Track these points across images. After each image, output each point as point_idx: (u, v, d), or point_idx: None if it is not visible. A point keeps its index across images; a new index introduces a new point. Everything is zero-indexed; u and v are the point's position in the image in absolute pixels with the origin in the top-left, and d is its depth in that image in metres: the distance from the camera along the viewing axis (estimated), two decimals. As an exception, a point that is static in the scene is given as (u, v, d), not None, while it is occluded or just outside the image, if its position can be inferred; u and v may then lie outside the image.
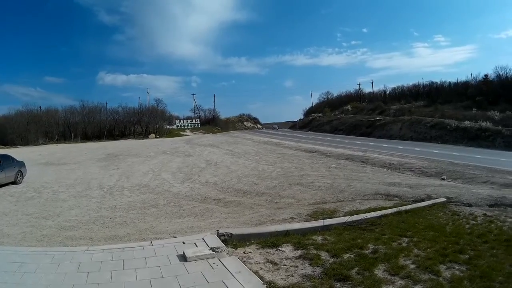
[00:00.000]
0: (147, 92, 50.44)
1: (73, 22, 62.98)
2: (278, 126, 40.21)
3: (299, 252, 2.97)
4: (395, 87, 32.57)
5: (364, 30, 59.23)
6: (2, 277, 2.55)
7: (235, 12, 72.90)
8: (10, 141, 24.60)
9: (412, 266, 2.47)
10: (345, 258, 2.74)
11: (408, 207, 4.00)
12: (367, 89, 38.61)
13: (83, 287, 2.46)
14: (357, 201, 5.04)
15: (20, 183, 8.17)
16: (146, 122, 34.25)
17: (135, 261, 2.96)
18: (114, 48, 66.93)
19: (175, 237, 3.99)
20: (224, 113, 46.21)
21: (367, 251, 2.84)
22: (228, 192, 6.98)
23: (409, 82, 33.96)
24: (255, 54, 76.64)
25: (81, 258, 3.09)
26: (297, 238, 3.27)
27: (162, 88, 72.16)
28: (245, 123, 48.08)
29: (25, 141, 25.53)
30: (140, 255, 3.14)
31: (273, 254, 3.02)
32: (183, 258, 2.95)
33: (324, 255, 2.84)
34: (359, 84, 40.15)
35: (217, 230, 3.56)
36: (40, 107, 31.94)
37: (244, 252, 3.10)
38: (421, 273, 2.23)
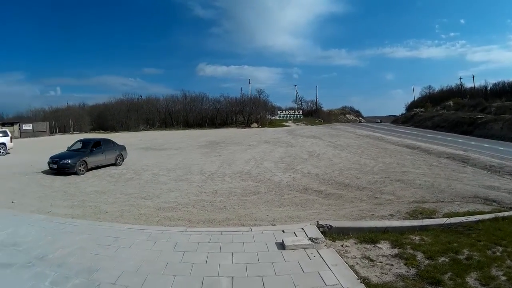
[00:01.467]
0: (249, 83, 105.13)
1: (170, 17, 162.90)
2: (380, 120, 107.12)
3: (395, 251, 6.44)
4: (496, 83, 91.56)
5: (462, 21, 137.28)
6: (95, 250, 6.86)
7: (331, 4, 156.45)
8: (110, 127, 77.32)
9: (503, 278, 5.62)
10: (439, 261, 6.13)
11: (506, 213, 8.95)
12: (468, 84, 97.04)
13: (177, 265, 5.99)
14: (456, 202, 11.27)
15: (120, 165, 21.60)
16: (249, 112, 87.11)
17: (232, 245, 6.74)
18: (212, 41, 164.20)
19: (274, 225, 8.77)
20: (326, 105, 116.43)
21: (461, 257, 6.37)
22: (329, 184, 14.82)
23: (510, 77, 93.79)
24: (354, 46, 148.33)
25: (178, 238, 7.36)
26: (395, 236, 7.12)
27: (263, 79, 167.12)
28: (347, 115, 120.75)
29: (126, 127, 77.68)
30: (238, 239, 7.07)
31: (370, 250, 6.39)
32: (281, 246, 6.55)
33: (419, 256, 6.17)
34: (460, 79, 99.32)
35: (317, 221, 7.67)
36: (141, 96, 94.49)
37: (342, 246, 6.62)
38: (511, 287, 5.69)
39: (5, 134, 31.39)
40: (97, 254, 6.64)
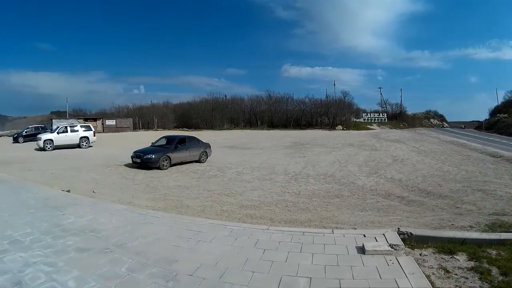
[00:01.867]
0: (334, 84, 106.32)
1: (252, 18, 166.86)
2: (464, 126, 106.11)
3: (472, 264, 6.21)
4: None
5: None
6: (175, 242, 7.18)
7: (411, 4, 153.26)
8: (195, 125, 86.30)
9: None
10: (513, 279, 6.56)
11: None
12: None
13: (257, 262, 6.12)
14: (537, 218, 11.54)
15: (204, 162, 23.19)
16: (333, 114, 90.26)
17: (313, 246, 6.77)
18: (295, 42, 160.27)
19: (355, 229, 8.93)
20: (410, 109, 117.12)
21: (538, 276, 6.59)
22: (412, 190, 14.83)
23: None
24: (437, 47, 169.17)
25: (260, 236, 7.45)
26: (473, 248, 6.80)
27: (347, 81, 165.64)
28: (431, 120, 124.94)
29: (210, 126, 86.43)
30: (320, 241, 7.10)
31: (447, 261, 6.25)
32: (361, 250, 6.51)
33: (494, 271, 5.90)
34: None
35: (398, 228, 7.58)
36: (226, 96, 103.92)
37: (420, 254, 6.56)
38: None
39: (88, 128, 34.83)
40: (177, 246, 6.77)
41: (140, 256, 6.18)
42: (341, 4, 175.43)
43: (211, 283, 5.36)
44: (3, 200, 10.99)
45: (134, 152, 21.39)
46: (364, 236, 7.24)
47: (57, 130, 33.92)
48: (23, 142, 44.27)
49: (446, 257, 6.38)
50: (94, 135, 36.05)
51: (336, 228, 8.73)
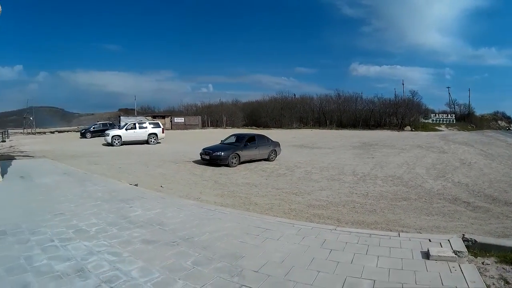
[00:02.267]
0: (402, 84, 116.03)
1: (319, 17, 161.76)
2: None
3: None
4: None
5: None
6: (242, 238, 7.15)
7: None
8: (264, 123, 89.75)
9: None
10: None
11: None
12: None
13: (323, 262, 6.03)
14: None
15: (273, 161, 23.29)
16: (402, 114, 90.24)
17: (379, 249, 6.63)
18: (363, 40, 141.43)
19: (420, 233, 8.84)
20: (478, 110, 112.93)
21: None
22: (478, 196, 14.29)
23: None
24: (505, 44, 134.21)
25: (327, 236, 7.36)
26: None
27: (415, 80, 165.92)
28: (499, 122, 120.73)
29: (279, 124, 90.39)
30: (386, 244, 6.93)
31: (508, 272, 5.93)
32: (425, 255, 6.34)
33: None
34: None
35: (463, 234, 7.36)
36: (295, 95, 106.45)
37: (482, 263, 6.30)
38: None
39: (157, 125, 35.98)
40: (244, 242, 6.73)
41: (207, 250, 6.16)
42: (407, 0, 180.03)
43: (275, 280, 5.30)
44: (70, 192, 11.45)
45: (203, 149, 21.80)
46: (430, 240, 7.10)
47: (125, 127, 35.19)
48: (91, 137, 47.27)
49: (508, 267, 6.11)
50: (163, 132, 37.41)
51: (402, 231, 8.66)
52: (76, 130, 68.77)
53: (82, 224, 7.91)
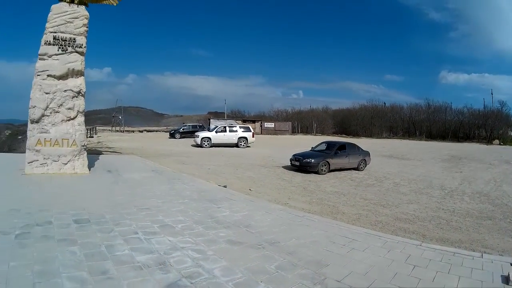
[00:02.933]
0: (491, 94, 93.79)
1: (405, 22, 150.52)
2: None
3: None
4: None
5: None
6: (328, 247, 7.32)
7: None
8: (353, 132, 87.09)
9: None
10: None
11: None
12: None
13: (405, 278, 6.04)
14: None
15: (362, 170, 22.98)
16: (491, 127, 79.73)
17: (461, 269, 6.65)
18: (451, 46, 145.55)
19: (502, 255, 8.52)
20: None
21: None
22: None
23: None
24: None
25: (412, 251, 7.42)
26: None
27: (503, 89, 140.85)
28: None
29: (369, 133, 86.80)
30: (468, 264, 6.95)
31: None
32: (505, 280, 6.21)
33: None
34: None
35: None
36: (385, 103, 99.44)
37: None
38: None
39: (247, 129, 36.57)
40: (329, 251, 6.83)
41: (292, 256, 6.32)
42: (492, 3, 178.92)
43: (357, 292, 5.46)
44: (158, 188, 12.09)
45: (294, 155, 22.05)
46: (511, 265, 6.91)
47: (215, 129, 36.10)
48: (180, 138, 48.78)
49: None
50: (253, 136, 37.94)
51: (485, 252, 8.35)
52: (165, 130, 72.13)
53: (168, 220, 8.40)
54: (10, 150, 42.32)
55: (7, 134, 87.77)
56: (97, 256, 6.01)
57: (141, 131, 76.12)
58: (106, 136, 51.47)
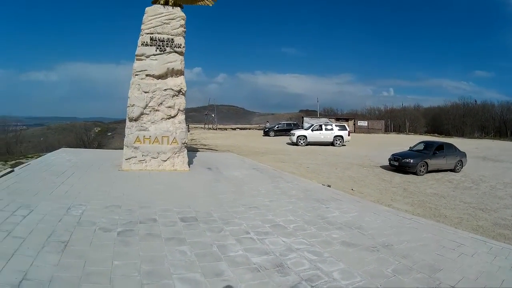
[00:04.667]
0: None
1: (493, 14, 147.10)
2: None
3: None
4: None
5: None
6: (439, 250, 7.09)
7: None
8: (445, 131, 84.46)
9: None
10: None
11: None
12: None
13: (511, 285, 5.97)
14: None
15: (458, 172, 22.63)
16: None
17: None
18: None
19: None
20: None
21: None
22: None
23: None
24: None
25: None
26: None
27: None
28: None
29: (460, 133, 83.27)
30: None
31: None
32: None
33: None
34: None
35: None
36: (476, 101, 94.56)
37: None
38: None
39: (343, 128, 36.27)
40: (440, 255, 6.67)
41: (406, 259, 6.21)
42: None
43: (472, 298, 5.35)
44: (262, 187, 12.15)
45: (393, 155, 22.16)
46: None
47: (311, 128, 36.06)
48: (274, 136, 49.01)
49: None
50: (349, 135, 37.47)
51: None
52: (258, 128, 73.06)
53: (279, 220, 8.31)
54: (100, 146, 44.71)
55: (96, 131, 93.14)
56: (210, 257, 5.98)
57: (234, 129, 77.45)
58: (199, 134, 52.56)
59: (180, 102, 14.80)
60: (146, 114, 14.42)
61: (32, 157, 18.41)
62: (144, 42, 14.45)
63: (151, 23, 14.53)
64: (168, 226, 7.48)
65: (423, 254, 6.57)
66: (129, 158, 14.32)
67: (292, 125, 53.64)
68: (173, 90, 14.56)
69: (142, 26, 14.60)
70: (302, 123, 57.00)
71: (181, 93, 14.76)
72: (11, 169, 13.47)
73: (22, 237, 6.44)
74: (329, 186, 13.56)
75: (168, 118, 14.68)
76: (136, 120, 14.34)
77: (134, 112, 14.26)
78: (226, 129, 76.53)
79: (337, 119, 65.94)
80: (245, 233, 7.25)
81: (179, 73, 14.76)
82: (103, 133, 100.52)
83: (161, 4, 14.67)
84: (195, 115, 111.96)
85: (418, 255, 6.51)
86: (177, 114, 14.80)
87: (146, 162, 14.42)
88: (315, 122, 47.41)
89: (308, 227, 7.84)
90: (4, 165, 15.69)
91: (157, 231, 7.17)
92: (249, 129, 79.55)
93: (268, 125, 64.04)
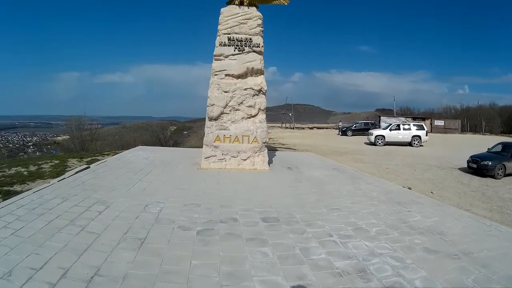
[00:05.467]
0: None
1: None
2: None
3: None
4: None
5: None
6: None
7: None
8: None
9: None
10: None
11: None
12: None
13: None
14: None
15: None
16: None
17: None
18: None
19: None
20: None
21: None
22: None
23: None
24: None
25: None
26: None
27: None
28: None
29: None
30: None
31: None
32: None
33: None
34: None
35: None
36: None
37: None
38: None
39: (421, 127, 35.44)
40: None
41: (486, 269, 5.99)
42: None
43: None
44: (343, 188, 12.10)
45: (471, 156, 21.13)
46: None
47: (389, 127, 35.57)
48: (351, 135, 49.21)
49: None
50: (426, 135, 36.61)
51: None
52: (334, 127, 72.53)
53: (361, 223, 8.23)
54: (176, 144, 45.89)
55: (172, 130, 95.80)
56: (292, 259, 5.95)
57: (311, 128, 78.11)
58: (277, 133, 53.07)
59: (261, 101, 15.03)
60: (226, 113, 14.75)
61: (108, 154, 19.23)
62: (222, 42, 14.79)
63: (228, 24, 14.85)
64: (249, 226, 7.56)
65: (503, 264, 6.30)
66: (208, 157, 14.71)
67: (370, 125, 53.17)
68: (253, 89, 14.80)
69: (219, 27, 14.95)
70: (379, 123, 56.25)
71: (261, 92, 14.98)
72: (87, 165, 14.19)
73: (97, 233, 6.76)
74: (409, 188, 13.39)
75: (249, 118, 14.95)
76: (216, 119, 14.68)
77: (214, 111, 14.61)
78: (303, 128, 77.09)
79: (414, 118, 64.58)
80: (328, 236, 7.21)
81: (258, 72, 14.96)
82: (179, 131, 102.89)
83: (236, 5, 14.95)
84: (272, 114, 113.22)
85: (498, 265, 6.25)
86: (257, 113, 15.05)
87: (225, 161, 14.75)
88: (393, 121, 46.81)
89: (390, 231, 7.73)
90: (79, 161, 16.47)
91: (238, 231, 7.25)
92: (326, 128, 79.33)
93: (341, 124, 63.75)
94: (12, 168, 14.11)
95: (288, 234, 7.14)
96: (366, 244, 6.84)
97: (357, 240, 7.04)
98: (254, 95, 14.94)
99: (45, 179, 12.32)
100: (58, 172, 13.57)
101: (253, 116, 15.06)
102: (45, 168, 14.61)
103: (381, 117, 63.63)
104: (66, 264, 5.36)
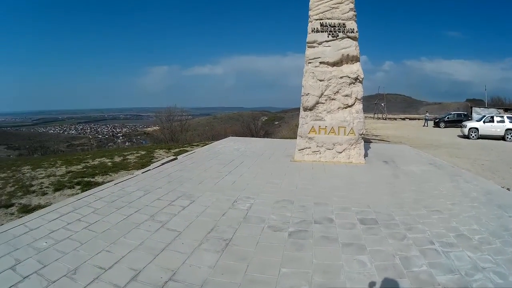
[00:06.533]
0: None
1: None
2: None
3: None
4: None
5: None
6: None
7: None
8: None
9: None
10: None
11: None
12: None
13: None
14: None
15: None
16: None
17: None
18: None
19: None
20: None
21: None
22: None
23: None
24: None
25: None
26: None
27: None
28: None
29: None
30: None
31: None
32: None
33: None
34: None
35: None
36: None
37: None
38: None
39: None
40: None
41: None
42: None
43: None
44: (442, 186, 11.05)
45: None
46: None
47: (483, 119, 33.67)
48: (444, 127, 47.95)
49: None
50: None
51: None
52: (425, 118, 70.18)
53: (463, 228, 7.28)
54: (267, 135, 46.03)
55: (263, 120, 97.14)
56: (391, 271, 5.28)
57: (403, 119, 77.60)
58: (369, 124, 51.83)
59: (357, 90, 14.44)
60: (322, 103, 14.35)
61: (197, 145, 19.49)
62: (314, 28, 14.35)
63: (319, 9, 14.35)
64: (346, 229, 6.97)
65: None
66: (302, 149, 14.44)
67: (463, 116, 51.45)
68: (349, 77, 14.26)
69: (310, 12, 14.50)
70: (471, 114, 53.24)
71: (358, 80, 14.38)
72: (174, 157, 14.29)
73: (178, 231, 6.56)
74: (508, 189, 12.12)
75: (345, 107, 14.45)
76: (311, 109, 14.35)
77: (308, 101, 14.26)
78: (395, 119, 76.60)
79: (505, 110, 59.08)
80: (429, 243, 6.41)
81: (354, 59, 14.42)
82: (270, 122, 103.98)
83: (327, -12, 14.64)
84: (363, 104, 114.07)
85: None
86: (354, 103, 14.49)
87: (320, 153, 14.41)
88: (485, 113, 44.03)
89: (492, 240, 6.75)
90: (167, 152, 16.73)
91: (333, 233, 6.70)
92: (418, 119, 76.91)
93: (427, 115, 62.13)
94: (96, 159, 14.57)
95: (387, 240, 6.48)
96: (469, 255, 5.93)
97: (460, 249, 6.19)
98: (350, 84, 14.38)
99: (129, 170, 12.57)
100: (143, 163, 13.82)
101: (350, 106, 14.51)
102: (130, 159, 14.99)
103: (473, 108, 59.78)
104: (138, 265, 5.22)
